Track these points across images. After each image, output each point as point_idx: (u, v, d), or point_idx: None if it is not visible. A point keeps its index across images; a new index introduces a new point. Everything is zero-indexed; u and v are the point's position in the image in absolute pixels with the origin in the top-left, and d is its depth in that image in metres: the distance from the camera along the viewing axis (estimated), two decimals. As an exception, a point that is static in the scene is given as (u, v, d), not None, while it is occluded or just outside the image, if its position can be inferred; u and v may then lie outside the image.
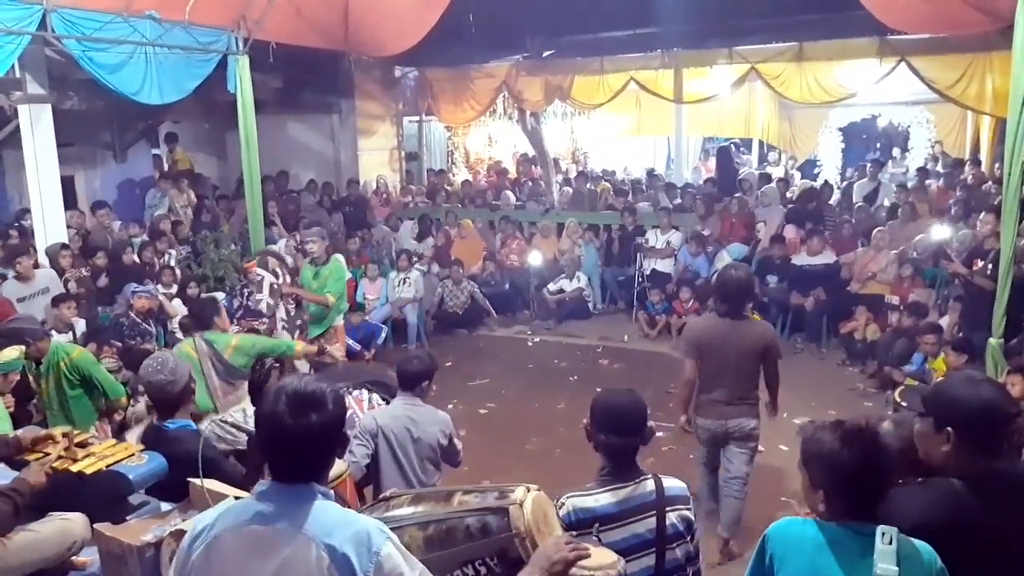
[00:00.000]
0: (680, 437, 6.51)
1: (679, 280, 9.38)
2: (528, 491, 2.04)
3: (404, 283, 9.30)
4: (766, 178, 11.78)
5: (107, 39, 6.93)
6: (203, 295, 7.18)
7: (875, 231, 8.69)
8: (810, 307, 8.54)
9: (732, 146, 14.80)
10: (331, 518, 1.70)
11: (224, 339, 5.02)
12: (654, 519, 2.48)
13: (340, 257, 7.26)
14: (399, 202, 11.97)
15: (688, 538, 2.54)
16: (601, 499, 2.49)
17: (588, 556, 1.91)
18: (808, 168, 15.27)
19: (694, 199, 10.45)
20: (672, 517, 2.49)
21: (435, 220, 11.15)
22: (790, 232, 9.40)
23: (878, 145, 16.42)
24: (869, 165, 11.72)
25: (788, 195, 10.53)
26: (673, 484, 2.58)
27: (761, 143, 16.14)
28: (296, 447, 1.73)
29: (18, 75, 6.97)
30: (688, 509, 2.56)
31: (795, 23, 10.22)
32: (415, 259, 9.95)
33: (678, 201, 11.15)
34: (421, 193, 12.24)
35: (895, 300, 7.97)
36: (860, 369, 7.84)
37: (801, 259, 8.88)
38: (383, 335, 8.77)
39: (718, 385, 4.42)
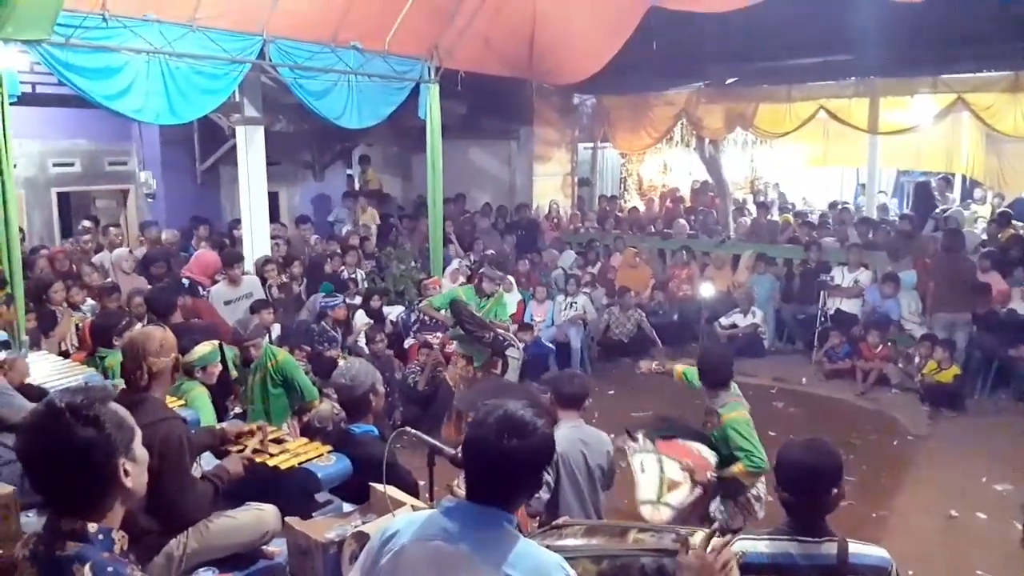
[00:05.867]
0: (855, 492, 6.03)
1: (866, 323, 8.75)
2: (708, 535, 1.96)
3: (571, 307, 9.35)
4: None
5: (316, 67, 7.57)
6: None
7: None
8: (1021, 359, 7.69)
9: (931, 181, 13.66)
10: (514, 548, 1.72)
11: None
12: None
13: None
14: (568, 226, 12.10)
15: None
16: (767, 545, 2.32)
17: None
18: (1021, 207, 13.79)
19: (888, 236, 9.71)
20: None
21: (604, 246, 11.15)
22: (995, 280, 8.48)
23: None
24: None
25: (1000, 238, 9.49)
26: (864, 552, 2.32)
27: (964, 178, 14.81)
28: (494, 468, 1.75)
29: (237, 99, 7.73)
30: None
31: (1010, 50, 9.33)
32: (584, 285, 9.99)
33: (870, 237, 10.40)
34: (591, 219, 12.31)
35: None
36: (1078, 436, 6.95)
37: (1021, 306, 8.02)
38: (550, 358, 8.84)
39: (948, 294, 8.20)
